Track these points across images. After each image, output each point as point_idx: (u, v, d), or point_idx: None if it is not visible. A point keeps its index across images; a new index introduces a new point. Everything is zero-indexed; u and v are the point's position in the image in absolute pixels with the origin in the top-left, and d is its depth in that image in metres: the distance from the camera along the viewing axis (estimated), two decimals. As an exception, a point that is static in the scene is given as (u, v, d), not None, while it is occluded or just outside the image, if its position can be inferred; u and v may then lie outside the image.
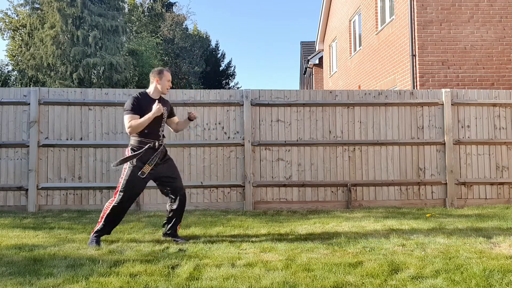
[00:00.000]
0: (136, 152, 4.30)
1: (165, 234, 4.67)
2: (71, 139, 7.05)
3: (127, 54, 23.27)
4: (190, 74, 30.01)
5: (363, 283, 3.09)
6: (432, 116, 7.39)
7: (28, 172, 6.88)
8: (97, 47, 20.80)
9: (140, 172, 4.27)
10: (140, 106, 4.31)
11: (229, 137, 7.21)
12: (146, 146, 4.31)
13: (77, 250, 4.11)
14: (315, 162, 7.27)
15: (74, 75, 20.35)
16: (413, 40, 9.47)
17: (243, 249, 4.12)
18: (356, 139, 7.33)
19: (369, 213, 6.52)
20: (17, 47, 24.37)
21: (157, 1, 31.04)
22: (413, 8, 9.47)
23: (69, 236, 4.80)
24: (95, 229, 4.38)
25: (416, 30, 9.41)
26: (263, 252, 4.02)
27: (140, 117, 4.28)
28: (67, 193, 6.99)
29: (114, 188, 7.00)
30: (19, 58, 22.76)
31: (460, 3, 9.46)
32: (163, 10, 31.01)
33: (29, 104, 6.97)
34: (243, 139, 7.18)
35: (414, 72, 9.43)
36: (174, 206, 4.56)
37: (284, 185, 7.20)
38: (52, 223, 5.65)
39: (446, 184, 7.27)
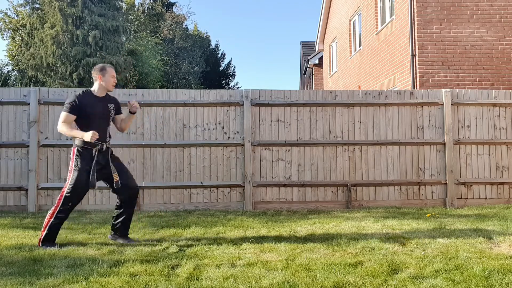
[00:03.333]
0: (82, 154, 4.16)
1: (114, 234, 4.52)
2: (71, 139, 7.05)
3: (127, 54, 23.27)
4: (190, 74, 30.01)
5: (363, 283, 3.09)
6: (432, 116, 7.39)
7: (28, 172, 6.88)
8: (97, 47, 20.80)
9: (90, 183, 4.12)
10: (81, 105, 4.15)
11: (229, 137, 7.21)
12: (95, 149, 4.16)
13: (77, 250, 4.11)
14: (315, 162, 7.28)
15: (74, 75, 20.35)
16: (413, 40, 9.47)
17: (243, 249, 4.12)
18: (356, 139, 7.33)
19: (369, 213, 6.52)
20: (17, 47, 24.37)
21: (157, 1, 31.03)
22: (413, 8, 9.47)
23: (69, 236, 4.80)
24: (41, 239, 4.23)
25: (416, 30, 9.40)
26: (263, 252, 4.02)
27: (78, 116, 4.16)
28: (67, 193, 6.98)
29: (114, 188, 7.02)
30: (19, 58, 22.75)
31: (460, 3, 9.46)
32: (163, 10, 31.01)
33: (29, 104, 6.97)
34: (243, 139, 7.18)
35: (414, 72, 9.43)
36: (121, 202, 4.42)
37: (284, 185, 7.20)
38: (52, 223, 5.64)
39: (446, 184, 7.27)
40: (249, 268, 3.44)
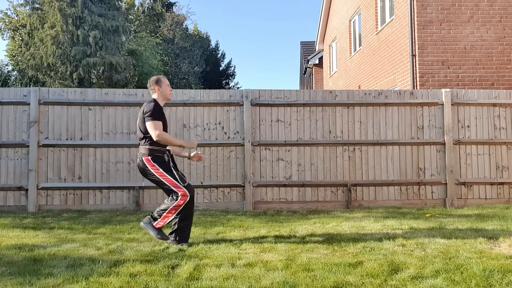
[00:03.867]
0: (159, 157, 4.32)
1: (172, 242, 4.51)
2: (71, 139, 7.05)
3: (127, 54, 23.27)
4: (190, 74, 30.01)
5: (363, 283, 3.09)
6: (432, 116, 7.39)
7: (28, 172, 6.88)
8: (97, 47, 20.80)
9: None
10: (162, 113, 4.33)
11: (229, 137, 7.21)
12: (165, 155, 4.34)
13: (77, 250, 4.11)
14: (315, 162, 7.28)
15: (74, 75, 20.34)
16: (413, 40, 9.47)
17: (243, 249, 4.12)
18: (356, 139, 7.33)
19: (369, 213, 6.52)
20: (17, 47, 24.36)
21: (157, 1, 31.03)
22: (413, 8, 9.47)
23: (69, 236, 4.80)
24: (154, 222, 4.32)
25: (416, 30, 9.40)
26: (263, 252, 4.02)
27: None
28: (67, 193, 7.00)
29: (114, 188, 7.02)
30: (19, 58, 22.75)
31: (460, 3, 9.46)
32: (163, 10, 31.00)
33: (29, 104, 6.97)
34: (243, 139, 7.18)
35: (414, 72, 9.43)
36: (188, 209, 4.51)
37: (284, 185, 7.20)
38: (52, 223, 5.65)
39: (446, 184, 7.27)
40: (249, 268, 3.44)
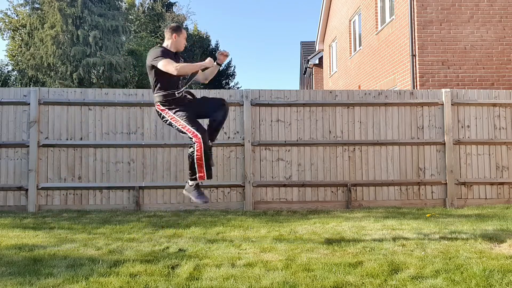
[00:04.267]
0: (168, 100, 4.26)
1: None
2: (71, 139, 7.05)
3: (127, 54, 23.27)
4: (190, 74, 29.95)
5: (363, 283, 3.09)
6: (432, 116, 7.39)
7: (28, 172, 6.88)
8: (97, 47, 20.81)
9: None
10: (168, 55, 4.20)
11: (229, 137, 7.21)
12: (176, 96, 4.25)
13: (77, 250, 4.11)
14: (315, 162, 7.27)
15: (74, 75, 20.35)
16: (413, 40, 9.46)
17: (243, 249, 4.12)
18: (356, 139, 7.33)
19: (369, 213, 6.52)
20: (17, 47, 24.37)
21: (157, 1, 31.04)
22: (413, 8, 9.47)
23: (69, 236, 4.80)
24: (194, 183, 4.32)
25: (416, 30, 9.40)
26: (263, 252, 4.02)
27: (160, 70, 4.14)
28: (67, 193, 6.99)
29: (114, 188, 7.02)
30: (19, 58, 22.76)
31: (460, 3, 9.46)
32: (163, 10, 31.02)
33: (29, 104, 6.97)
34: (243, 139, 7.18)
35: (414, 72, 9.43)
36: (212, 119, 4.45)
37: (284, 185, 7.20)
38: (52, 223, 5.65)
39: (446, 184, 7.27)
40: (249, 268, 3.44)
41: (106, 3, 22.04)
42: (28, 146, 6.91)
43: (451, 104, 7.34)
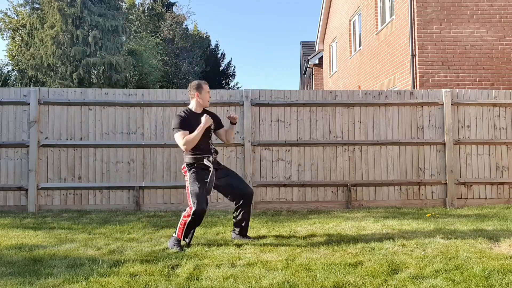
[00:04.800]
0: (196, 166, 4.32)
1: (236, 236, 4.67)
2: (71, 139, 7.05)
3: (126, 54, 23.26)
4: (190, 74, 29.99)
5: (363, 283, 3.09)
6: (432, 116, 7.39)
7: (28, 172, 6.88)
8: (97, 47, 20.80)
9: (207, 190, 4.23)
10: (188, 122, 4.30)
11: (229, 137, 7.19)
12: (204, 161, 4.29)
13: (77, 250, 4.11)
14: (315, 162, 7.27)
15: (74, 75, 20.34)
16: (413, 40, 9.47)
17: (243, 249, 4.12)
18: (356, 139, 7.33)
19: (369, 213, 6.52)
20: (17, 47, 24.36)
21: (157, 1, 31.03)
22: (413, 8, 9.47)
23: (69, 236, 4.80)
24: (175, 236, 4.31)
25: (416, 30, 9.40)
26: (263, 252, 4.02)
27: (190, 133, 4.25)
28: (67, 193, 6.99)
29: (114, 188, 7.02)
30: (19, 58, 22.75)
31: (460, 3, 9.46)
32: (163, 10, 31.00)
33: (29, 104, 6.97)
34: (243, 139, 7.18)
35: (414, 72, 9.43)
36: (242, 209, 4.58)
37: (284, 185, 7.20)
38: (52, 223, 5.65)
39: (446, 184, 7.27)
40: (249, 268, 3.44)
41: (106, 3, 22.02)
42: (28, 146, 6.91)
43: (451, 104, 7.34)
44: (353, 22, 14.75)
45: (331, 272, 3.31)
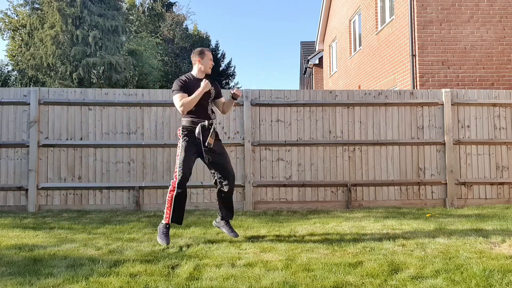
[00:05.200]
0: (190, 132, 4.33)
1: (219, 222, 4.67)
2: (71, 139, 7.05)
3: (126, 54, 23.27)
4: (190, 74, 29.96)
5: (363, 283, 3.09)
6: (432, 116, 7.39)
7: (28, 172, 6.88)
8: (97, 47, 20.81)
9: (206, 143, 4.25)
10: (188, 86, 4.36)
11: (229, 137, 7.20)
12: (199, 125, 4.31)
13: (77, 250, 4.11)
14: (315, 162, 7.27)
15: (74, 75, 20.35)
16: (413, 40, 9.47)
17: (243, 249, 4.12)
18: (356, 139, 7.33)
19: (369, 213, 6.52)
20: (17, 47, 24.37)
21: (157, 1, 31.04)
22: (413, 8, 9.47)
23: (69, 236, 4.80)
24: (163, 222, 4.36)
25: (416, 30, 9.41)
26: (263, 252, 4.02)
27: (189, 95, 4.30)
28: (67, 193, 6.99)
29: (114, 188, 7.03)
30: (19, 58, 22.76)
31: (460, 3, 9.46)
32: (163, 10, 31.02)
33: (29, 104, 6.97)
34: (243, 139, 7.18)
35: (414, 72, 9.43)
36: (225, 189, 4.49)
37: (284, 185, 7.20)
38: (52, 223, 5.65)
39: (446, 184, 7.27)
40: (249, 268, 3.44)
41: (106, 3, 22.04)
42: (28, 146, 6.91)
43: (451, 104, 7.34)
44: (353, 22, 14.75)
45: (331, 272, 3.31)
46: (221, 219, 4.66)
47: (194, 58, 4.54)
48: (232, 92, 4.55)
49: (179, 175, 4.24)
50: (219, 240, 4.58)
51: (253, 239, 4.60)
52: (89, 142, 7.04)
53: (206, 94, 4.40)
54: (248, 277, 3.22)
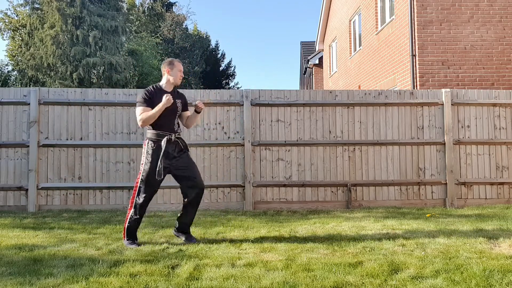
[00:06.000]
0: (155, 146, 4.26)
1: (176, 230, 4.64)
2: (71, 139, 7.05)
3: (127, 54, 23.27)
4: (190, 74, 30.01)
5: (363, 283, 3.09)
6: (432, 116, 7.39)
7: (28, 172, 6.88)
8: (97, 47, 20.80)
9: (157, 172, 4.19)
10: (153, 98, 4.27)
11: (229, 137, 7.21)
12: (164, 139, 4.24)
13: (77, 250, 4.11)
14: (315, 162, 7.27)
15: (74, 75, 20.35)
16: (413, 40, 9.46)
17: (243, 249, 4.12)
18: (356, 139, 7.33)
19: (369, 213, 6.52)
20: (17, 47, 24.36)
21: (157, 1, 31.03)
22: (413, 8, 9.47)
23: (69, 236, 4.80)
24: (124, 234, 4.38)
25: (416, 30, 9.40)
26: (263, 252, 4.02)
27: (152, 108, 4.23)
28: (67, 193, 6.99)
29: (114, 188, 7.03)
30: (19, 58, 22.76)
31: (460, 3, 9.46)
32: (163, 10, 31.01)
33: (29, 104, 6.97)
34: (243, 139, 7.18)
35: (414, 72, 9.43)
36: (187, 199, 4.49)
37: (284, 185, 7.20)
38: (52, 223, 5.65)
39: (446, 184, 7.27)
40: (249, 268, 3.44)
41: (105, 3, 22.04)
42: (28, 146, 6.91)
43: (451, 104, 7.34)
44: (353, 22, 14.75)
45: (331, 272, 3.31)
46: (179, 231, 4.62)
47: (164, 68, 4.42)
48: (194, 104, 4.46)
49: (137, 202, 4.28)
50: (219, 240, 4.58)
51: (253, 239, 4.60)
52: (89, 142, 7.04)
53: (172, 108, 4.31)
54: (248, 277, 3.22)
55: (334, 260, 3.65)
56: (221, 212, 6.79)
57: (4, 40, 31.97)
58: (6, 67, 25.79)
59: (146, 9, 30.97)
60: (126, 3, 27.78)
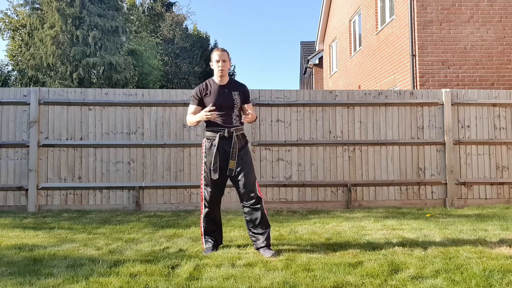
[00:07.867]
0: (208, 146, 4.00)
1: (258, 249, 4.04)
2: (71, 139, 7.05)
3: (126, 54, 23.27)
4: (190, 74, 30.01)
5: (363, 283, 3.09)
6: (432, 116, 7.39)
7: (28, 172, 6.88)
8: (97, 47, 20.81)
9: (212, 170, 3.90)
10: (202, 94, 4.01)
11: (229, 137, 7.19)
12: (217, 136, 3.93)
13: (77, 250, 4.11)
14: (315, 162, 7.27)
15: (74, 75, 20.35)
16: (413, 40, 9.46)
17: (243, 249, 4.11)
18: (356, 139, 7.33)
19: (369, 213, 6.52)
20: (17, 47, 24.37)
21: (157, 1, 31.04)
22: (413, 8, 9.47)
23: (69, 236, 4.80)
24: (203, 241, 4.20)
25: (416, 30, 9.40)
26: (263, 252, 4.01)
27: (204, 106, 3.98)
28: (67, 193, 6.99)
29: (114, 188, 7.03)
30: (19, 58, 22.77)
31: (460, 3, 9.46)
32: (163, 10, 31.02)
33: (29, 104, 6.97)
34: (243, 139, 7.17)
35: (414, 72, 9.43)
36: (247, 217, 4.07)
37: (284, 185, 7.20)
38: (52, 223, 5.65)
39: (446, 184, 7.27)
40: (249, 268, 3.44)
41: (105, 3, 22.04)
42: (28, 146, 6.91)
43: (451, 104, 7.33)
44: (353, 22, 14.75)
45: (331, 272, 3.31)
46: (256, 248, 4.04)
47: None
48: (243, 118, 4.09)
49: (206, 199, 4.08)
50: (219, 240, 4.57)
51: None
52: (89, 142, 7.04)
53: (229, 102, 3.98)
54: (248, 277, 3.21)
55: (334, 260, 3.65)
56: (221, 212, 6.76)
57: (4, 40, 31.98)
58: (6, 67, 25.81)
59: (146, 9, 30.98)
60: (126, 3, 27.79)
